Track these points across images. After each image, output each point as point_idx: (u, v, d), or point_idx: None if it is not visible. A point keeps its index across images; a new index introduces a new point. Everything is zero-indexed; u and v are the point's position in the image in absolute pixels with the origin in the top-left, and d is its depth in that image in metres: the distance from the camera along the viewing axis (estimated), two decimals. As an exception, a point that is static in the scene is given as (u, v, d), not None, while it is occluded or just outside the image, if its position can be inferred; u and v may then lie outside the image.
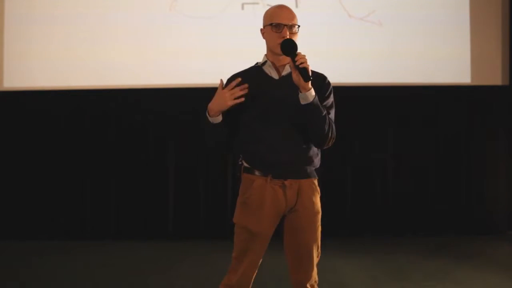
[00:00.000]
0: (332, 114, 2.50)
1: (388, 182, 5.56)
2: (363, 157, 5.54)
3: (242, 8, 5.29)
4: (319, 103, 2.38)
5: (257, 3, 5.20)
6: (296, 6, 5.16)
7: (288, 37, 2.42)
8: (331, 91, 2.52)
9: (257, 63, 2.59)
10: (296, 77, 2.32)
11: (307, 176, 2.52)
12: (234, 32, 5.20)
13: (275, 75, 2.50)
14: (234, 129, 2.50)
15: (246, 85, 2.40)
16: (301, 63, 2.31)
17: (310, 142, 2.48)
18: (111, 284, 4.06)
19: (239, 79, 2.42)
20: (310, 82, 2.32)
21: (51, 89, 5.38)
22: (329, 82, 2.53)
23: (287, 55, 2.38)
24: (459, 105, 5.56)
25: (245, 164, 2.51)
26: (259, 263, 2.53)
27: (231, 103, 2.39)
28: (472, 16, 5.37)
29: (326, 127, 2.41)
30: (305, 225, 2.50)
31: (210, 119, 2.44)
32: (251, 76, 2.48)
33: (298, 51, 2.36)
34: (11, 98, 5.45)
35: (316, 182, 2.57)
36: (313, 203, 2.52)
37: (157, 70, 5.35)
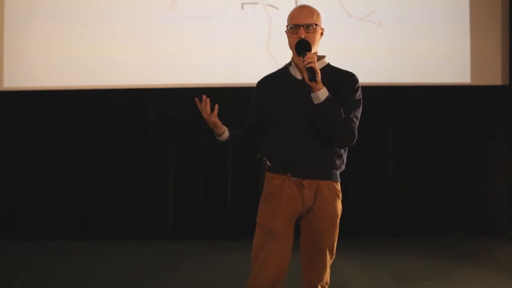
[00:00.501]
0: (355, 113, 2.45)
1: (388, 182, 5.56)
2: (363, 157, 5.53)
3: (242, 8, 5.29)
4: (332, 103, 2.35)
5: (257, 3, 5.20)
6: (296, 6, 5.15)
7: (304, 37, 2.42)
8: (357, 89, 2.48)
9: (286, 64, 2.59)
10: (306, 77, 2.33)
11: (326, 177, 2.51)
12: (234, 32, 5.20)
13: (298, 76, 2.50)
14: (261, 129, 2.54)
15: (203, 96, 2.42)
16: (308, 63, 2.30)
17: (331, 143, 2.46)
18: (111, 284, 4.06)
19: (196, 98, 2.43)
20: (320, 82, 2.31)
21: (51, 89, 5.38)
22: (356, 80, 2.49)
23: (298, 55, 2.39)
24: (459, 105, 5.56)
25: (268, 163, 2.53)
26: (282, 267, 2.49)
27: (211, 120, 2.42)
28: (472, 16, 5.37)
29: (342, 127, 2.38)
30: (322, 226, 2.51)
31: (218, 138, 2.50)
32: (278, 77, 2.52)
33: (309, 51, 2.35)
34: (11, 98, 5.45)
35: (337, 185, 2.56)
36: (331, 206, 2.53)
37: (157, 69, 5.35)
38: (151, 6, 5.36)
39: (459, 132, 5.59)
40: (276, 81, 2.49)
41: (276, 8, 5.17)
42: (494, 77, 5.42)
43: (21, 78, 5.39)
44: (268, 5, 5.16)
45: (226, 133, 2.48)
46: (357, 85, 2.49)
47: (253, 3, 5.22)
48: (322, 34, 2.54)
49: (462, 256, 4.71)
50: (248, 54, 5.04)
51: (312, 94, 2.35)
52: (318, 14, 2.53)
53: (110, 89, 5.39)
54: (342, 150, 2.53)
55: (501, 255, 4.82)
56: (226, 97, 3.91)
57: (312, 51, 2.41)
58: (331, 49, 5.67)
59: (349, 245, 5.09)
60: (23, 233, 5.41)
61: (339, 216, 2.56)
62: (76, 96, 5.45)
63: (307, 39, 2.41)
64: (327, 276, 2.55)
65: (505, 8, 5.42)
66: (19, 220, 5.47)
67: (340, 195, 2.57)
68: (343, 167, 2.56)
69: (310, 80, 2.30)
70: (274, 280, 2.47)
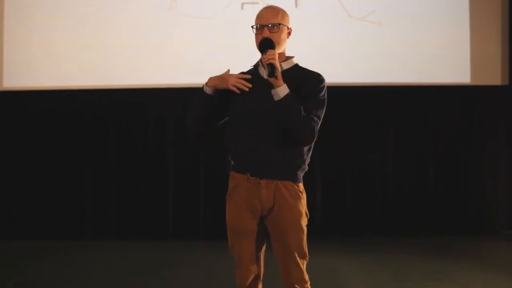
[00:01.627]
0: (317, 112, 2.46)
1: (388, 182, 5.56)
2: (363, 156, 5.54)
3: (242, 7, 5.29)
4: (292, 100, 2.37)
5: (257, 3, 5.19)
6: (296, 6, 5.16)
7: (268, 36, 2.46)
8: (321, 89, 2.49)
9: (255, 64, 2.62)
10: (266, 73, 2.38)
11: (285, 177, 2.49)
12: (234, 31, 5.20)
13: (265, 75, 2.51)
14: (221, 122, 2.59)
15: (249, 84, 2.46)
16: (268, 59, 2.36)
17: (292, 143, 2.46)
18: (111, 284, 4.06)
19: (249, 76, 2.50)
20: (280, 78, 2.35)
21: (51, 89, 5.38)
22: (322, 80, 2.50)
23: (261, 53, 2.45)
24: (459, 105, 5.56)
25: (232, 162, 2.56)
26: (254, 264, 2.54)
27: (231, 85, 2.47)
28: (472, 16, 5.37)
29: (301, 124, 2.40)
30: (285, 226, 2.49)
31: (205, 87, 2.53)
32: (257, 78, 2.52)
33: (272, 49, 2.40)
34: (11, 98, 5.45)
35: (297, 185, 2.53)
36: (291, 206, 2.49)
37: (157, 69, 5.35)
38: (151, 5, 5.36)
39: (459, 132, 5.59)
40: (246, 80, 2.50)
41: (276, 8, 5.16)
42: (494, 77, 5.42)
43: (21, 78, 5.39)
44: (268, 4, 5.16)
45: (213, 91, 2.53)
46: (321, 85, 2.50)
47: (253, 3, 5.22)
48: (289, 34, 2.57)
49: (462, 256, 4.71)
50: (248, 54, 5.03)
51: (272, 91, 2.38)
52: (284, 15, 2.55)
53: (110, 89, 5.39)
54: (305, 151, 2.52)
55: (501, 255, 4.83)
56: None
57: (278, 51, 2.47)
58: (331, 49, 5.69)
59: (349, 245, 5.12)
60: (23, 233, 5.41)
61: (304, 217, 2.52)
62: (76, 96, 5.45)
63: (271, 38, 2.46)
64: (304, 276, 2.53)
65: (505, 8, 5.42)
66: (19, 220, 5.47)
67: (303, 195, 2.53)
68: (305, 167, 2.55)
69: (269, 75, 2.35)
70: (251, 278, 2.55)
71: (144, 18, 5.35)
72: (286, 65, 2.52)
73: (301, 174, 2.54)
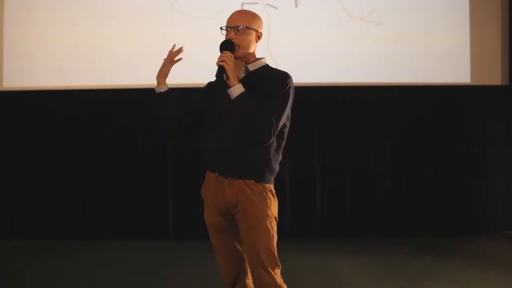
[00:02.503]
0: (278, 111, 2.46)
1: (388, 182, 5.56)
2: (362, 157, 5.54)
3: (242, 8, 5.29)
4: (247, 99, 2.42)
5: (256, 3, 5.19)
6: (296, 6, 5.16)
7: (232, 38, 2.55)
8: (283, 88, 2.49)
9: None
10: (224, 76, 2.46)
11: (248, 177, 2.52)
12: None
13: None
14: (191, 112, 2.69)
15: (181, 47, 2.66)
16: (218, 61, 2.46)
17: (255, 143, 2.48)
18: (111, 284, 4.06)
19: (175, 44, 2.68)
20: (232, 79, 2.43)
21: (51, 89, 5.38)
22: (286, 79, 2.51)
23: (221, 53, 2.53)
24: (459, 105, 5.56)
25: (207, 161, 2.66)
26: (233, 259, 2.63)
27: (166, 63, 2.65)
28: (472, 15, 5.37)
29: (255, 123, 2.42)
30: (249, 226, 2.51)
31: (156, 88, 2.65)
32: (220, 80, 2.55)
33: (232, 51, 2.49)
34: (11, 98, 5.45)
35: (262, 185, 2.53)
36: (255, 205, 2.50)
37: (157, 69, 5.31)
38: (151, 6, 5.37)
39: (458, 132, 5.59)
40: (218, 83, 2.56)
41: (276, 8, 5.16)
42: (494, 77, 5.42)
43: (21, 78, 5.39)
44: (268, 5, 5.16)
45: (165, 87, 2.66)
46: (284, 84, 2.51)
47: (253, 3, 5.21)
48: (259, 37, 2.60)
49: (461, 256, 4.71)
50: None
51: (227, 90, 2.45)
52: (253, 19, 2.59)
53: (110, 89, 5.39)
54: (272, 150, 2.53)
55: (501, 255, 4.83)
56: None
57: (246, 52, 2.54)
58: (331, 49, 5.69)
59: (349, 245, 5.12)
60: (23, 233, 5.41)
61: (272, 219, 2.52)
62: (75, 96, 5.45)
63: (235, 40, 2.53)
64: (274, 281, 2.51)
65: (504, 8, 5.42)
66: (19, 220, 5.47)
67: (269, 196, 2.53)
68: (273, 167, 2.55)
69: (216, 76, 2.46)
70: (234, 272, 2.64)
71: (144, 18, 5.35)
72: (253, 67, 2.58)
73: (268, 175, 2.54)
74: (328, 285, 3.91)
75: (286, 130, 2.57)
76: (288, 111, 2.51)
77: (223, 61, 2.45)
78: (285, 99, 2.49)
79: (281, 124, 2.47)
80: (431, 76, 5.37)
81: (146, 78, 5.39)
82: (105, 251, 5.05)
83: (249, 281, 2.65)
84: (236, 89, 2.44)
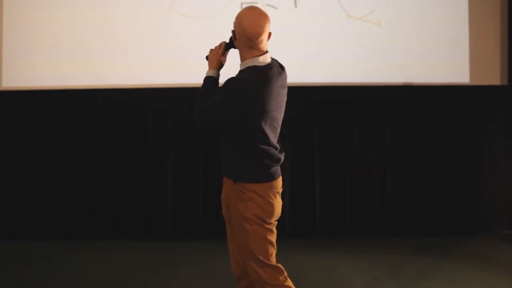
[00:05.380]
0: (214, 102, 2.59)
1: (388, 182, 5.56)
2: (362, 157, 5.54)
3: (241, 7, 5.29)
4: (207, 83, 2.68)
5: (256, 3, 5.19)
6: (295, 6, 5.16)
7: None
8: (222, 89, 2.59)
9: None
10: None
11: (231, 178, 2.68)
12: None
13: None
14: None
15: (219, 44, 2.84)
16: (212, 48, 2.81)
17: (235, 145, 2.60)
18: (111, 284, 4.06)
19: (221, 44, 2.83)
20: (210, 63, 2.75)
21: (50, 88, 5.37)
22: (228, 80, 2.59)
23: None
24: (458, 105, 5.56)
25: None
26: (239, 252, 2.73)
27: (224, 56, 2.78)
28: (471, 15, 5.37)
29: (196, 104, 2.64)
30: (233, 224, 2.71)
31: (212, 72, 2.72)
32: None
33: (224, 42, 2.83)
34: (10, 98, 5.45)
35: (240, 185, 2.59)
36: (234, 205, 2.63)
37: (156, 69, 5.35)
38: (151, 6, 5.36)
39: (458, 132, 5.59)
40: None
41: (275, 8, 5.16)
42: (494, 77, 5.42)
43: (20, 78, 5.39)
44: (267, 5, 5.15)
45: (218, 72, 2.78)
46: (224, 85, 2.58)
47: (252, 3, 5.22)
48: (239, 35, 2.71)
49: (461, 256, 4.72)
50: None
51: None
52: (236, 19, 2.74)
53: (109, 88, 5.38)
54: (242, 149, 2.57)
55: (501, 255, 4.83)
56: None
57: (240, 51, 2.73)
58: (330, 49, 5.68)
59: (349, 245, 5.12)
60: (23, 233, 5.41)
61: (249, 218, 2.57)
62: (75, 96, 5.45)
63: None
64: (261, 277, 2.57)
65: (504, 8, 5.42)
66: (19, 220, 5.47)
67: (247, 194, 2.57)
68: (250, 166, 2.58)
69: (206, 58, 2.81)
70: (239, 265, 2.74)
71: (144, 18, 5.35)
72: (241, 67, 2.68)
73: (245, 175, 2.59)
74: (328, 285, 3.91)
75: (249, 128, 2.56)
76: (226, 109, 2.54)
77: (212, 49, 2.76)
78: (222, 98, 2.56)
79: (218, 119, 2.57)
80: (430, 76, 5.37)
81: (145, 78, 5.43)
82: (105, 251, 5.04)
83: None
84: (207, 72, 2.71)
